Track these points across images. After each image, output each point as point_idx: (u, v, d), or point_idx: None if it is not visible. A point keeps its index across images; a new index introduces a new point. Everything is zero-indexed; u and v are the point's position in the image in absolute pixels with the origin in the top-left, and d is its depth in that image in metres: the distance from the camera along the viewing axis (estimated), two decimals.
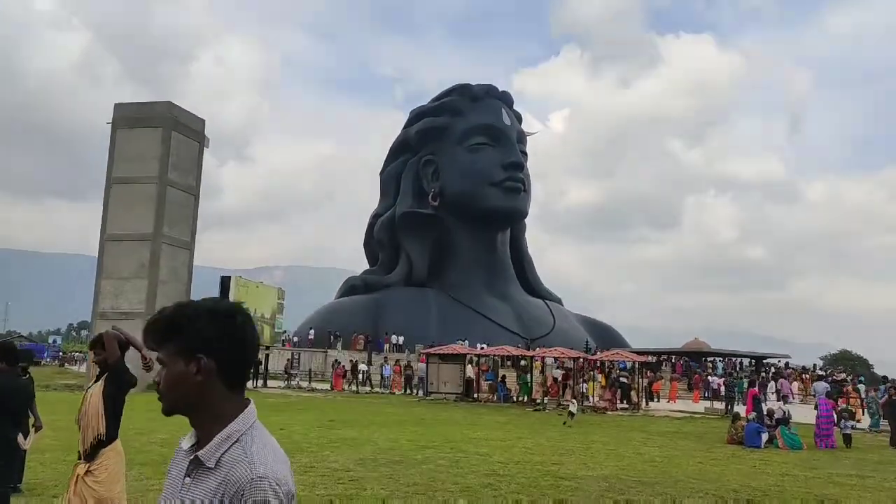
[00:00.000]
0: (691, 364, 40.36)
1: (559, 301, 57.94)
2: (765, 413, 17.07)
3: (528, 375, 26.98)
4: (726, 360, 47.09)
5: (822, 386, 21.71)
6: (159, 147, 28.89)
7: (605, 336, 54.66)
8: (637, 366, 27.86)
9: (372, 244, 56.17)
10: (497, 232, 53.17)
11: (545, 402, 25.28)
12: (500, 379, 27.74)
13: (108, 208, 29.03)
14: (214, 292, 29.84)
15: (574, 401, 21.47)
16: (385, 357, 39.31)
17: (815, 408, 17.86)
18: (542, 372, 27.66)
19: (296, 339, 48.41)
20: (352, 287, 54.42)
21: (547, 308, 53.96)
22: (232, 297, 29.87)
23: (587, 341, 48.62)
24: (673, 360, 43.30)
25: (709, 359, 45.01)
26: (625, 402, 25.61)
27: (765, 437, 15.52)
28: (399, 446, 13.55)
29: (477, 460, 12.07)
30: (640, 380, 27.43)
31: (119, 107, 29.91)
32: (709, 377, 35.58)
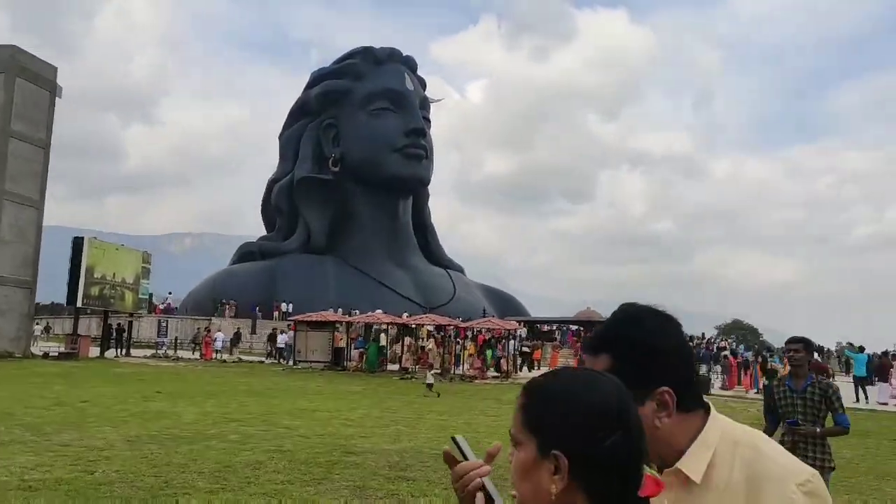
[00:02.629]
0: (579, 332, 40.36)
1: (461, 270, 57.47)
2: None
3: (376, 343, 26.05)
4: None
5: None
6: (1, 94, 26.24)
7: (506, 305, 54.52)
8: (509, 334, 27.30)
9: (269, 210, 54.26)
10: (399, 199, 52.03)
11: (415, 369, 24.43)
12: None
13: None
14: None
15: (429, 372, 20.42)
16: (289, 325, 37.74)
17: None
18: (416, 340, 26.76)
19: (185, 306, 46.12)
20: (247, 253, 52.55)
21: (448, 277, 53.37)
22: (85, 261, 27.64)
23: (484, 310, 48.19)
24: (564, 329, 43.27)
25: None
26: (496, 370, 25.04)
27: None
28: (203, 420, 12.31)
29: (276, 435, 10.96)
30: (510, 348, 26.88)
31: None
32: None
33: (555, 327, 45.56)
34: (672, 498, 1.38)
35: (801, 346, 5.29)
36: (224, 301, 43.19)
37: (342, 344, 26.35)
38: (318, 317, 27.41)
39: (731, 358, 24.22)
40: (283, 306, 43.74)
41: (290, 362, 27.53)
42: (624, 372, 1.33)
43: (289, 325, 37.08)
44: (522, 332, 39.47)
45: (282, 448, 9.74)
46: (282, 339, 30.48)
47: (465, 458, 1.40)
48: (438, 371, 23.79)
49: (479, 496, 1.38)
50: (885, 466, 10.07)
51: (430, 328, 28.51)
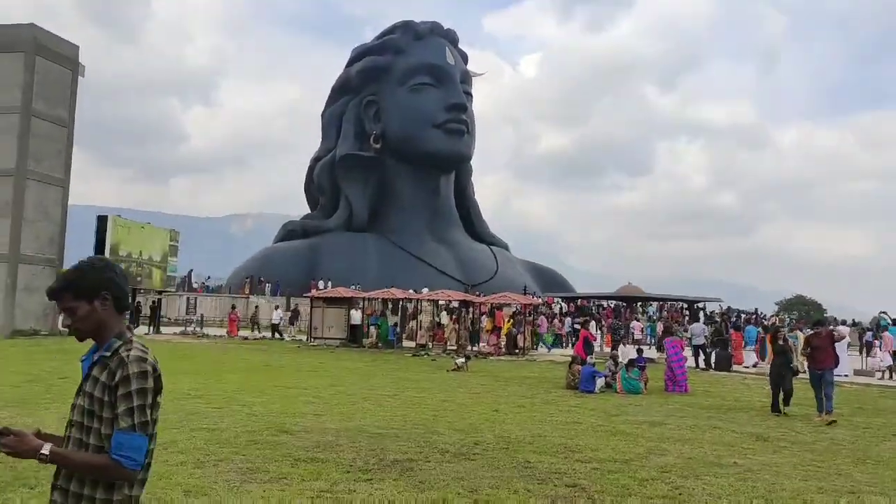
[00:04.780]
0: (619, 308, 39.10)
1: (506, 247, 56.57)
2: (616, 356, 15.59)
3: (385, 318, 25.41)
4: (668, 304, 45.95)
5: (699, 328, 20.14)
6: (21, 74, 26.53)
7: (550, 281, 53.63)
8: (530, 309, 26.36)
9: (312, 188, 54.40)
10: (440, 175, 51.38)
11: (430, 346, 23.77)
12: (392, 324, 26.19)
13: None
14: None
15: (457, 359, 18.88)
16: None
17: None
18: (434, 317, 26.09)
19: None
20: (289, 232, 52.94)
21: (491, 253, 52.56)
22: (110, 238, 27.99)
23: (525, 286, 47.28)
24: (604, 305, 42.03)
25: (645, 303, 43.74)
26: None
27: (600, 381, 14.07)
28: (167, 397, 11.94)
29: (226, 412, 10.52)
30: (527, 325, 25.90)
31: None
32: (635, 321, 34.26)
33: (595, 303, 44.29)
34: None
35: None
36: (257, 279, 43.54)
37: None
38: (333, 293, 27.07)
39: (733, 332, 22.64)
40: (321, 284, 43.72)
41: (297, 338, 27.28)
42: None
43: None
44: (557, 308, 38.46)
45: (214, 426, 9.28)
46: (276, 316, 30.57)
47: None
48: (465, 355, 22.60)
49: None
50: (873, 449, 8.93)
51: (455, 304, 27.83)
